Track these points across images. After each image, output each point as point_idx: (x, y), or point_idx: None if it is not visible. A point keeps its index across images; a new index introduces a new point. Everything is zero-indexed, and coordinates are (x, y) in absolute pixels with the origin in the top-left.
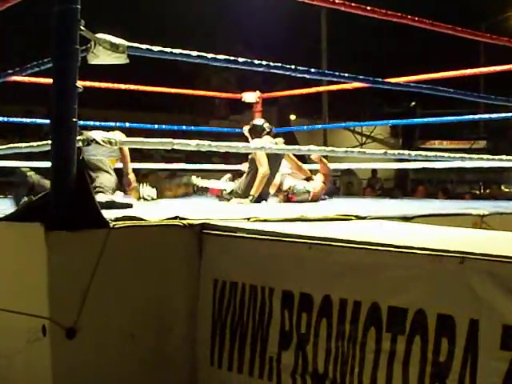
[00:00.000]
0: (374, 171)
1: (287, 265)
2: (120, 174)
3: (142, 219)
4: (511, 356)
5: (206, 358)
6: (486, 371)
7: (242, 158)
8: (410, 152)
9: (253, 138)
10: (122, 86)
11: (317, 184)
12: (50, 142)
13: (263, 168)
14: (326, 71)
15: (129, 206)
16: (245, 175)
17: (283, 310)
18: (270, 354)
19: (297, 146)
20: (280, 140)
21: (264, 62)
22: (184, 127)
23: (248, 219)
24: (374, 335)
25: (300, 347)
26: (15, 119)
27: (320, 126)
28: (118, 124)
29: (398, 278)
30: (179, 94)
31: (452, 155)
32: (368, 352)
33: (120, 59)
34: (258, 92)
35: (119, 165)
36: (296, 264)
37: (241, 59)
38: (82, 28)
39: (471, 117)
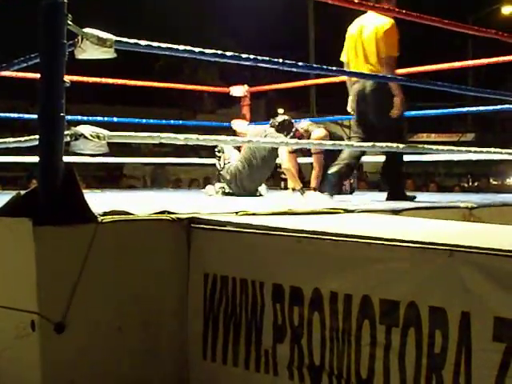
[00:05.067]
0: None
1: (276, 258)
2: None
3: (130, 213)
4: (504, 347)
5: (199, 352)
6: (481, 363)
7: None
8: (398, 145)
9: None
10: (110, 81)
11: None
12: (37, 136)
13: None
14: (314, 65)
15: None
16: None
17: (275, 304)
18: (266, 347)
19: (285, 139)
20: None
21: (251, 56)
22: (172, 121)
23: (236, 213)
24: (368, 328)
25: (295, 340)
26: (2, 114)
27: (308, 119)
28: (105, 118)
29: (387, 271)
30: (166, 89)
31: (440, 148)
32: (363, 344)
33: (107, 54)
34: (245, 86)
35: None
36: (285, 258)
37: (228, 53)
38: (69, 22)
39: (459, 110)
